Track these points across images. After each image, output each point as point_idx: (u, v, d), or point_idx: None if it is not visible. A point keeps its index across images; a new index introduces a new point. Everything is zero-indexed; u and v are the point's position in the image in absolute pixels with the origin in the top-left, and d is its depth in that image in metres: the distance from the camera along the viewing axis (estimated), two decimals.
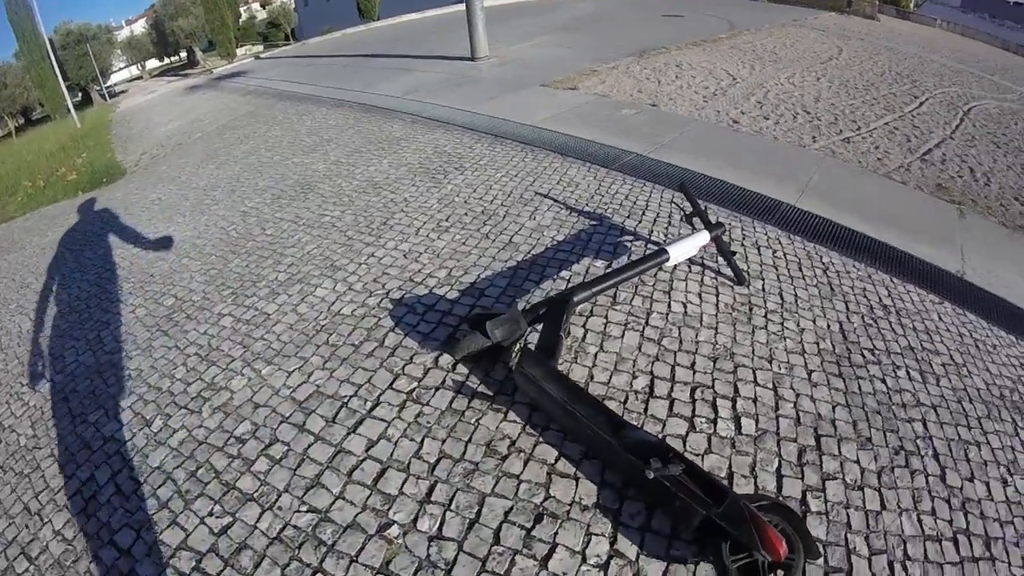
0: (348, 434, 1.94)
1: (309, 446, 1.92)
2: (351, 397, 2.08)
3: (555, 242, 3.11)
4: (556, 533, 1.57)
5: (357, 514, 1.67)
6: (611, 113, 5.79)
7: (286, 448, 1.92)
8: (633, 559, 1.52)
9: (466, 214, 3.49)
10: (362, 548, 1.59)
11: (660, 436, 1.88)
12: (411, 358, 2.24)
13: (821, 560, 1.53)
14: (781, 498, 1.72)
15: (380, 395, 2.08)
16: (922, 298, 3.06)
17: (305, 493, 1.76)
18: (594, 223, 3.37)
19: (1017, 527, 1.80)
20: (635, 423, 1.86)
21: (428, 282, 2.74)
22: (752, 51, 9.82)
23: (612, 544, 1.55)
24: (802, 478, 1.81)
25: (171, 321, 2.77)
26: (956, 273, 3.49)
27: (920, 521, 1.74)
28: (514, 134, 5.17)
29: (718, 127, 5.66)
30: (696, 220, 2.82)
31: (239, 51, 25.13)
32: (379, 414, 2.00)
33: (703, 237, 2.64)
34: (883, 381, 2.31)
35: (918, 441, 2.03)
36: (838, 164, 5.02)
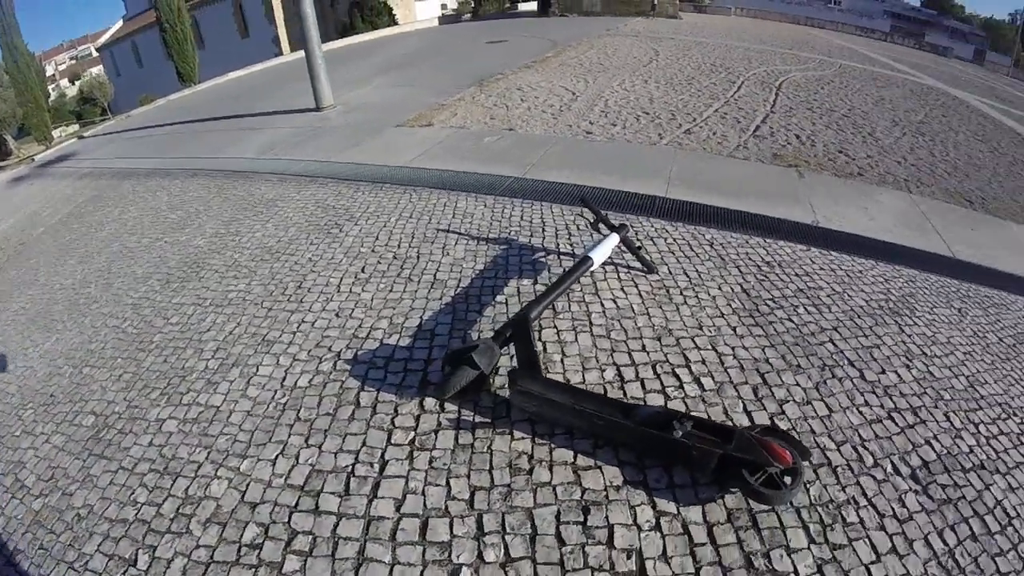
0: (371, 501, 2.00)
1: (336, 526, 1.94)
2: (354, 465, 2.15)
3: (477, 272, 3.43)
4: (607, 516, 1.86)
5: (423, 572, 1.77)
6: (474, 143, 6.31)
7: (311, 538, 1.91)
8: (675, 513, 1.87)
9: (379, 262, 3.68)
10: None
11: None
12: (396, 410, 2.37)
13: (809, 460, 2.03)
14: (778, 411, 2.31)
15: (383, 453, 2.18)
16: (793, 249, 3.87)
17: (358, 574, 1.79)
18: (504, 247, 3.75)
19: (930, 395, 2.49)
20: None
21: (374, 335, 2.89)
22: (580, 65, 11.01)
23: (654, 508, 1.89)
24: (764, 408, 2.31)
25: (102, 442, 2.58)
26: (812, 223, 4.42)
27: (860, 412, 2.35)
28: (391, 177, 5.47)
29: (576, 140, 6.38)
30: (601, 226, 3.30)
31: (55, 133, 22.97)
32: (392, 471, 2.11)
33: (613, 238, 3.13)
34: (790, 320, 2.97)
35: (834, 356, 2.69)
36: (688, 154, 5.93)
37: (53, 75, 67.94)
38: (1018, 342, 3.12)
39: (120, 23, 58.68)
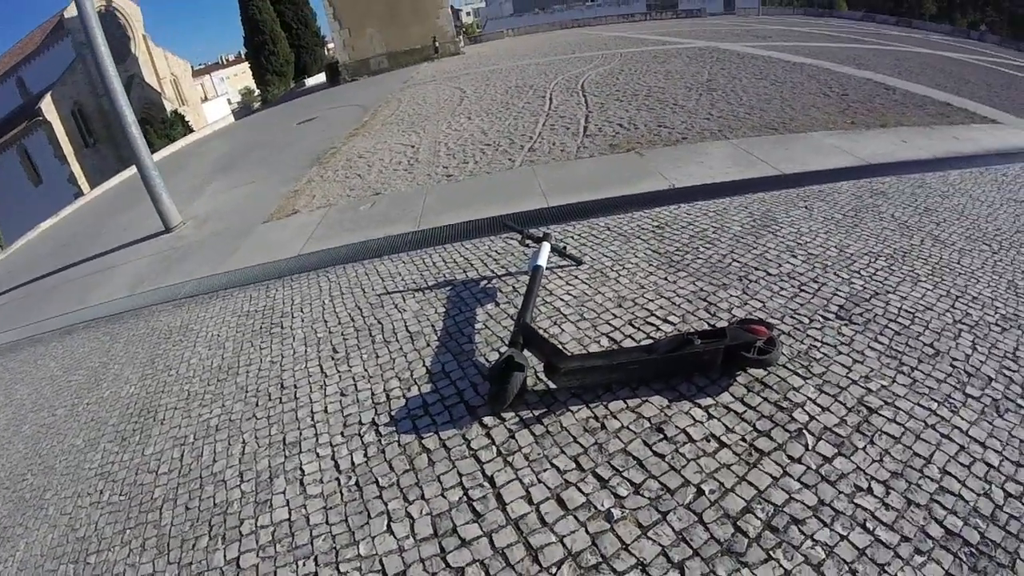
0: (504, 508, 2.26)
1: (492, 542, 2.15)
2: (466, 493, 2.37)
3: (441, 314, 3.84)
4: (676, 425, 2.43)
5: (586, 527, 2.11)
6: (351, 215, 6.65)
7: (480, 565, 2.10)
8: (714, 402, 2.52)
9: (345, 339, 3.87)
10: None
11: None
12: (465, 438, 2.65)
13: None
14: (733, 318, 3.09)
15: (483, 471, 2.44)
16: (668, 210, 4.91)
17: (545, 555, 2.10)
18: (448, 288, 4.19)
19: (818, 267, 3.48)
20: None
21: (393, 395, 3.07)
22: (402, 120, 11.73)
23: (700, 406, 2.51)
24: (720, 317, 3.08)
25: None
26: (670, 187, 5.48)
27: (781, 295, 3.27)
28: (293, 268, 5.61)
29: (442, 185, 6.98)
30: (529, 241, 3.94)
31: None
32: (503, 479, 2.37)
33: (545, 247, 3.76)
34: (698, 258, 3.90)
35: (742, 269, 3.61)
36: (543, 167, 6.81)
37: None
38: (856, 211, 4.43)
39: None
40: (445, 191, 6.68)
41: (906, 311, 3.04)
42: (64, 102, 37.61)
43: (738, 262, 3.74)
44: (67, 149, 37.12)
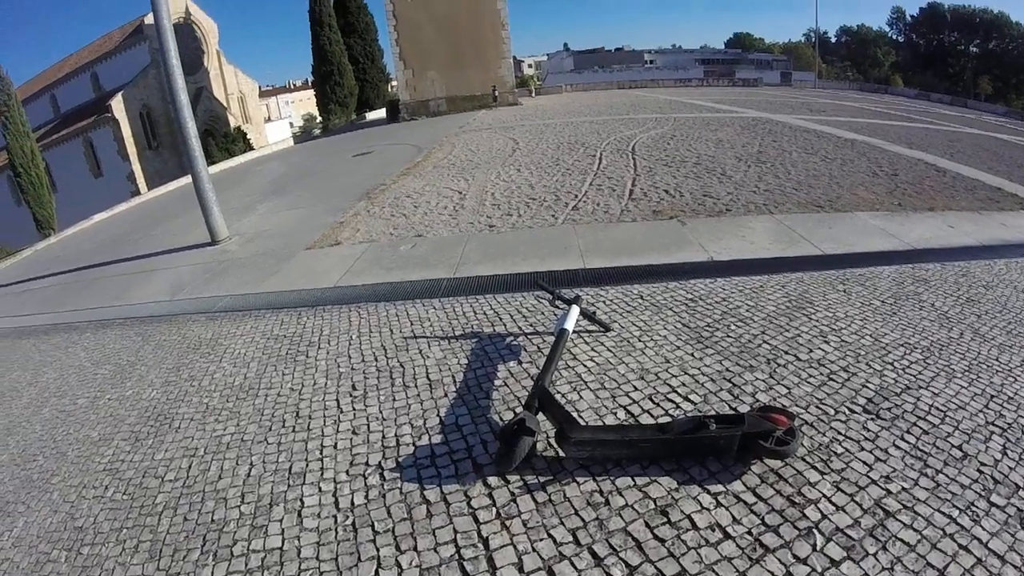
0: (494, 574, 2.29)
1: None
2: (459, 552, 2.39)
3: (464, 366, 3.95)
4: (681, 510, 2.42)
5: None
6: (391, 254, 6.89)
7: None
8: (724, 490, 2.51)
9: (366, 377, 4.01)
10: None
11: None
12: (466, 495, 2.69)
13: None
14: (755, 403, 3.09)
15: (479, 532, 2.46)
16: (704, 283, 4.94)
17: None
18: (474, 340, 4.32)
19: (850, 355, 3.41)
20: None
21: (403, 441, 3.14)
22: (453, 165, 12.15)
23: (709, 492, 2.50)
24: (743, 401, 3.07)
25: None
26: (708, 260, 5.53)
27: (809, 382, 3.23)
28: (327, 299, 5.85)
29: (484, 235, 7.19)
30: (559, 302, 4.02)
31: None
32: (497, 543, 2.39)
33: (575, 310, 3.85)
34: (728, 336, 3.91)
35: (772, 351, 3.58)
36: (585, 228, 6.95)
37: None
38: (896, 298, 4.42)
39: None
40: (485, 241, 6.88)
41: (937, 409, 2.99)
42: (133, 103, 40.31)
43: (768, 344, 3.76)
44: (130, 148, 39.56)
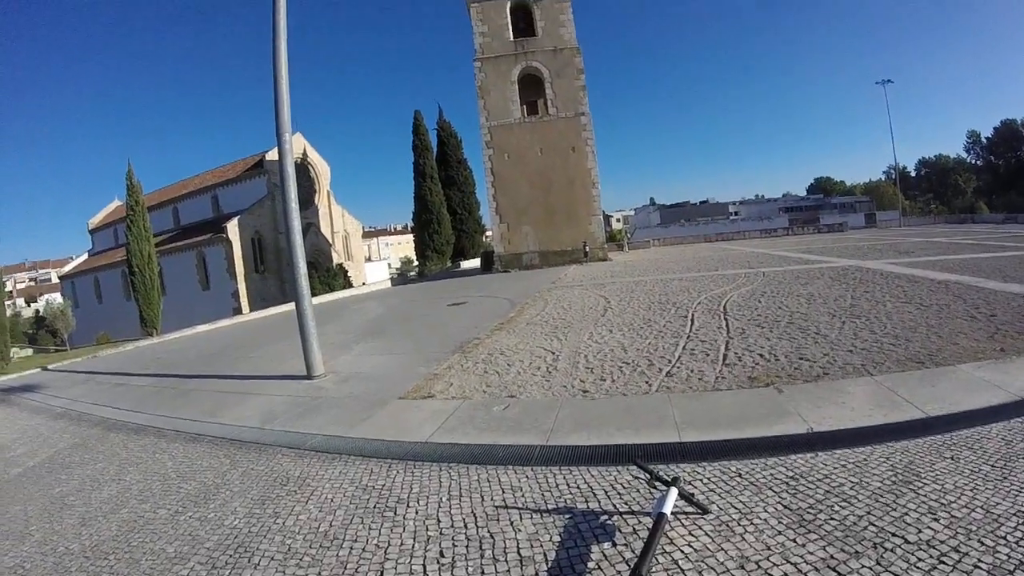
0: None
1: None
2: None
3: (556, 543, 4.00)
4: None
5: None
6: (483, 414, 7.09)
7: None
8: None
9: (454, 545, 4.05)
10: None
11: None
12: None
13: None
14: None
15: None
16: (804, 459, 4.86)
17: None
18: (567, 516, 4.37)
19: (961, 534, 3.19)
20: None
21: None
22: (546, 323, 12.67)
23: None
24: None
25: None
26: (808, 431, 5.43)
27: (919, 567, 3.00)
28: (418, 454, 5.99)
29: (577, 401, 7.29)
30: (657, 482, 4.09)
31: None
32: None
33: (673, 492, 3.90)
34: (832, 519, 3.78)
35: (878, 534, 3.39)
36: (679, 396, 6.99)
37: (10, 292, 68.60)
38: (1006, 460, 4.22)
39: (85, 256, 64.36)
40: (579, 407, 7.01)
41: None
42: (247, 228, 45.69)
43: (875, 526, 3.62)
44: (239, 269, 44.23)
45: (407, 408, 7.67)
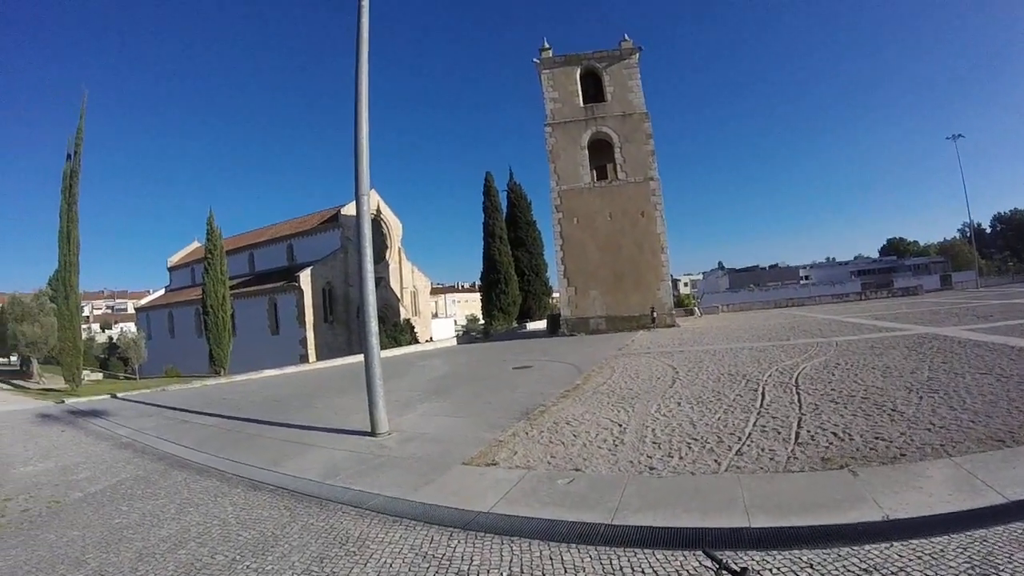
0: None
1: None
2: None
3: None
4: None
5: None
6: (547, 486, 7.07)
7: None
8: None
9: None
10: None
11: None
12: None
13: None
14: None
15: None
16: (879, 549, 4.66)
17: None
18: None
19: None
20: None
21: None
22: (613, 393, 12.63)
23: None
24: None
25: None
26: (883, 519, 5.23)
27: None
28: (480, 525, 5.94)
29: (643, 477, 7.20)
30: (725, 572, 4.10)
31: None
32: None
33: None
34: None
35: None
36: (749, 477, 6.83)
37: (87, 317, 74.26)
38: None
39: (162, 291, 68.71)
40: (645, 485, 6.93)
41: None
42: (319, 279, 47.82)
43: None
44: (308, 317, 46.22)
45: (470, 475, 7.68)
